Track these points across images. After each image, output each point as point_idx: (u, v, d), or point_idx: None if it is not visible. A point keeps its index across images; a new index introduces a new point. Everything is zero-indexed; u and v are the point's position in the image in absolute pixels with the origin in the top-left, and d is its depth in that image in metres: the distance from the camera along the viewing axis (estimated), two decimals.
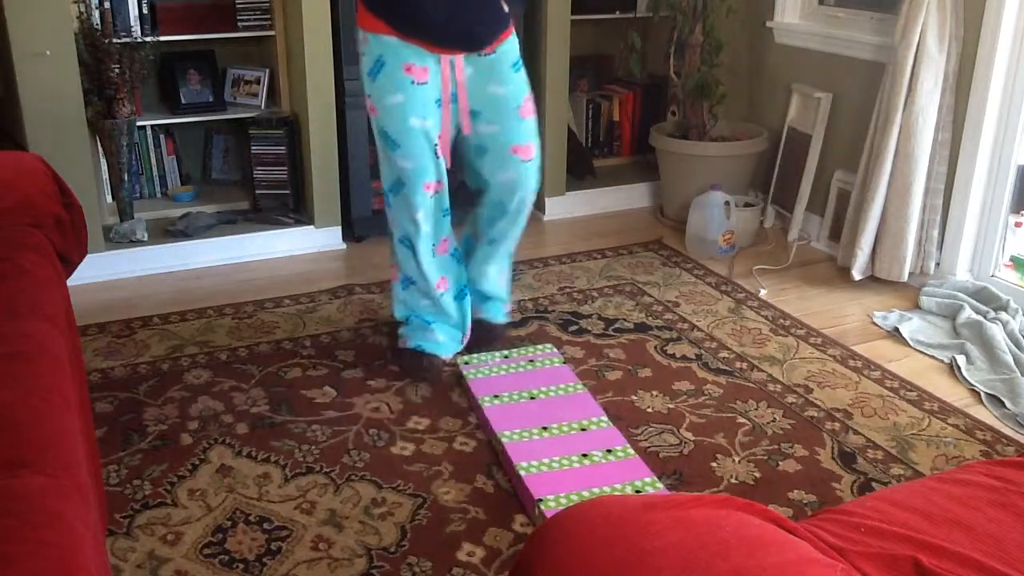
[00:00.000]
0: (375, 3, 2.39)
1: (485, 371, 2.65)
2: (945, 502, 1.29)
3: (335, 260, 3.64)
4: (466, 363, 2.69)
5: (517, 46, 2.57)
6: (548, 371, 2.67)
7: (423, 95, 2.44)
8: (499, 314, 2.89)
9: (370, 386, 2.66)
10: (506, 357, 2.73)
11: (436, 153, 2.51)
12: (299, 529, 2.06)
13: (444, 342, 2.75)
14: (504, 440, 2.30)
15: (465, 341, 2.82)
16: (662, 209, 4.13)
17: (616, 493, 2.14)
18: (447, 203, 2.63)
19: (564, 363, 2.73)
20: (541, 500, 2.08)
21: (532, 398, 2.52)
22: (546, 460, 2.24)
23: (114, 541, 2.01)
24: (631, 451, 2.31)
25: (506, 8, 2.46)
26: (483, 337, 2.84)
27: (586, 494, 2.13)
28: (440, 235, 2.66)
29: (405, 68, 2.40)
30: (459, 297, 2.77)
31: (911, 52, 3.09)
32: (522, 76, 2.57)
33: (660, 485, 2.19)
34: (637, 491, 2.15)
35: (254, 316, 3.11)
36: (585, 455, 2.28)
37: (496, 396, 2.52)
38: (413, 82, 2.42)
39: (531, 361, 2.72)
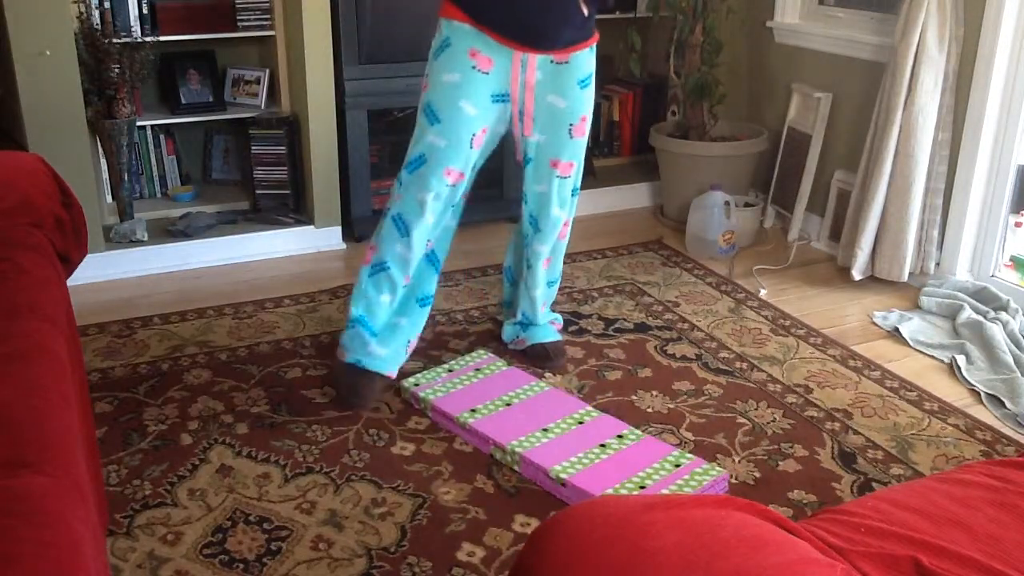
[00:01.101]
0: None
1: (442, 388, 2.56)
2: (945, 502, 1.29)
3: (335, 260, 3.64)
4: (416, 384, 2.58)
5: (593, 61, 2.53)
6: (501, 376, 2.65)
7: (480, 83, 2.41)
8: (547, 334, 2.84)
9: None
10: (450, 371, 2.66)
11: (471, 144, 2.46)
12: (299, 529, 2.06)
13: (385, 357, 2.57)
14: (519, 449, 2.29)
15: (411, 349, 2.65)
16: (662, 209, 4.13)
17: (661, 472, 2.20)
18: (459, 197, 2.58)
19: (510, 365, 2.72)
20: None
21: (508, 404, 2.50)
22: (573, 459, 2.24)
23: (114, 541, 2.01)
24: (639, 432, 2.36)
25: (585, 11, 2.41)
26: (537, 356, 2.79)
27: (635, 480, 2.16)
28: (434, 231, 2.56)
29: (470, 52, 2.39)
30: (421, 302, 2.65)
31: (911, 52, 3.09)
32: (588, 94, 2.53)
33: (691, 456, 2.24)
34: (677, 466, 2.21)
35: (254, 316, 3.11)
36: (603, 445, 2.30)
37: (473, 411, 2.46)
38: (474, 67, 2.39)
39: (477, 370, 2.68)
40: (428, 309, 2.66)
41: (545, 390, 2.57)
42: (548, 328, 2.86)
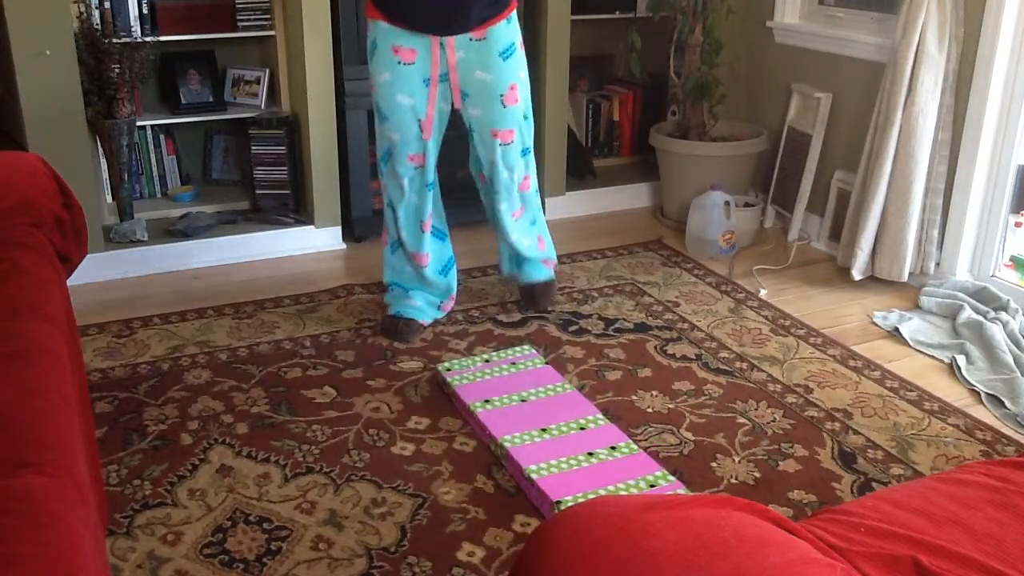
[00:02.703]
0: None
1: (469, 376, 2.62)
2: (945, 502, 1.29)
3: (335, 260, 3.64)
4: (447, 369, 2.65)
5: (513, 32, 2.72)
6: (532, 372, 2.66)
7: (409, 74, 2.67)
8: (537, 272, 3.12)
9: (370, 386, 2.67)
10: (487, 361, 2.71)
11: (420, 128, 2.73)
12: (299, 529, 2.06)
13: (421, 307, 2.98)
14: (507, 444, 2.30)
15: (445, 308, 3.05)
16: (662, 209, 4.13)
17: (632, 489, 2.15)
18: (431, 178, 2.84)
19: (546, 363, 2.73)
20: (559, 502, 2.08)
21: (523, 400, 2.51)
22: (553, 461, 2.23)
23: (114, 541, 2.01)
24: (635, 447, 2.32)
25: None
26: (527, 297, 3.11)
27: (602, 492, 2.13)
28: (426, 210, 2.87)
29: (393, 50, 2.66)
30: (443, 272, 2.99)
31: (911, 52, 3.09)
32: (512, 63, 2.72)
33: (672, 478, 2.20)
34: (651, 485, 2.16)
35: (254, 316, 3.11)
36: (591, 454, 2.28)
37: (487, 401, 2.50)
38: (400, 62, 2.66)
39: (513, 364, 2.70)
40: (453, 271, 3.02)
41: (567, 392, 2.57)
42: (539, 266, 3.12)
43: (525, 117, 2.83)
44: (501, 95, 2.72)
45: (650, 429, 2.47)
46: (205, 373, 2.72)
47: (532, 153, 2.93)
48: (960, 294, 3.15)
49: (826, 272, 3.55)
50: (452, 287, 3.02)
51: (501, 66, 2.70)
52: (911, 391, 2.67)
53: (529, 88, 2.84)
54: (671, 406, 2.58)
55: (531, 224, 3.09)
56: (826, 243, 3.74)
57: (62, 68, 3.14)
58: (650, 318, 3.12)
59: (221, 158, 3.98)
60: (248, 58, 3.89)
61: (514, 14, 2.72)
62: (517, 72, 2.74)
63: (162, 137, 3.81)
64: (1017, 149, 3.10)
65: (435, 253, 2.96)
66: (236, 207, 3.81)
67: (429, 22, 2.62)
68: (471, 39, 2.66)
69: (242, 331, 3.00)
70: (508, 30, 2.70)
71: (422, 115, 2.71)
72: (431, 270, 2.95)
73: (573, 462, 2.24)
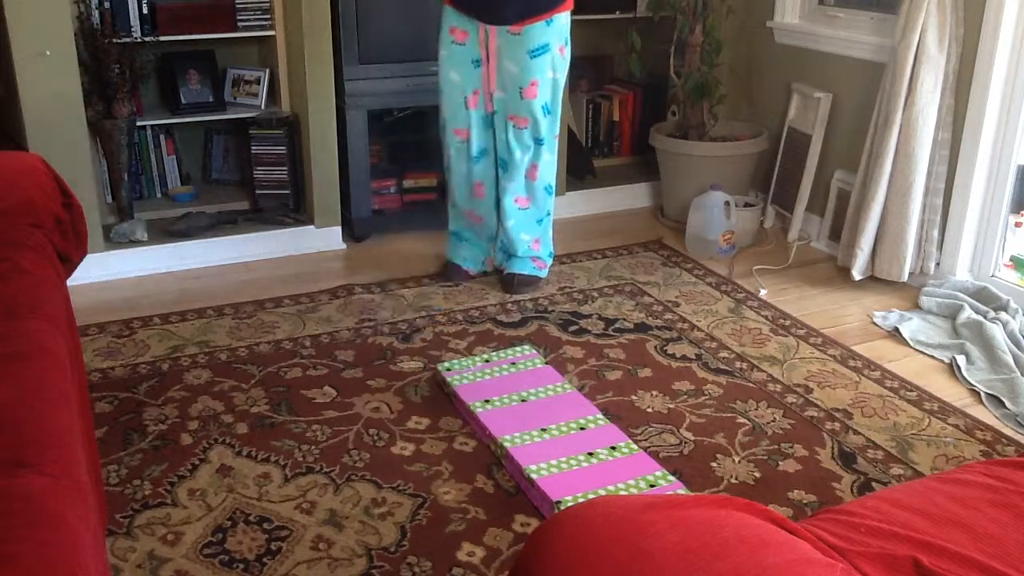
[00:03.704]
0: None
1: (469, 376, 2.62)
2: (945, 502, 1.29)
3: (335, 260, 3.64)
4: (447, 369, 2.65)
5: (551, 33, 2.98)
6: (533, 372, 2.66)
7: (461, 53, 3.05)
8: (523, 266, 3.33)
9: (370, 386, 2.67)
10: (487, 361, 2.71)
11: (466, 104, 3.08)
12: (299, 529, 2.06)
13: (468, 257, 3.37)
14: (507, 444, 2.30)
15: (488, 262, 3.39)
16: (662, 209, 4.13)
17: (632, 489, 2.15)
18: (476, 151, 3.15)
19: (546, 363, 2.73)
20: (559, 502, 2.07)
21: (523, 400, 2.51)
22: (553, 461, 2.23)
23: (114, 541, 2.01)
24: (635, 447, 2.32)
25: None
26: (505, 283, 3.32)
27: (602, 492, 2.13)
28: (473, 179, 3.21)
29: (450, 30, 3.05)
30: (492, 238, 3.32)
31: (911, 52, 3.09)
32: (540, 63, 3.01)
33: (672, 478, 2.20)
34: (651, 485, 2.16)
35: (254, 316, 3.11)
36: (591, 454, 2.28)
37: (487, 401, 2.50)
38: (454, 42, 3.05)
39: (513, 364, 2.71)
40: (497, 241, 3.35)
41: (567, 392, 2.57)
42: (528, 262, 3.32)
43: (547, 112, 3.08)
44: (521, 88, 3.02)
45: (650, 429, 2.47)
46: (205, 373, 2.72)
47: (550, 149, 3.16)
48: (960, 294, 3.15)
49: (826, 272, 3.55)
50: (496, 247, 3.34)
51: (527, 63, 2.99)
52: (911, 391, 2.67)
53: (560, 87, 3.10)
54: (671, 406, 2.58)
55: (536, 222, 3.28)
56: (826, 243, 3.74)
57: (62, 68, 3.14)
58: (650, 318, 3.12)
59: (221, 158, 3.98)
60: (248, 58, 3.89)
61: (557, 17, 2.97)
62: (544, 71, 3.02)
63: (162, 137, 3.81)
64: (1017, 149, 3.10)
65: (487, 214, 3.28)
66: (236, 207, 3.81)
67: (474, 9, 2.98)
68: (509, 31, 2.97)
69: (242, 331, 3.00)
70: (546, 31, 2.97)
71: (468, 92, 3.07)
72: (488, 222, 3.29)
73: (573, 462, 2.24)
